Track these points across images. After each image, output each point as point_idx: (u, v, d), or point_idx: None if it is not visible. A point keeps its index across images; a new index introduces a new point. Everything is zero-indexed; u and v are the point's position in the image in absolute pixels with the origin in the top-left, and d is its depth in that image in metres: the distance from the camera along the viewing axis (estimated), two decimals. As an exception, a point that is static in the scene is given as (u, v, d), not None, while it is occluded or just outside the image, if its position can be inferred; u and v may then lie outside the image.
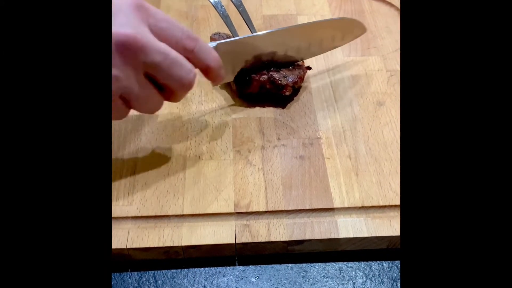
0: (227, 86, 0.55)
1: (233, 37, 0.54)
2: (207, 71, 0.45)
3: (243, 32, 0.56)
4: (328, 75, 0.58)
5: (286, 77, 0.52)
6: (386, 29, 0.64)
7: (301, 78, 0.54)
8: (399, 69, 0.58)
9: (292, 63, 0.54)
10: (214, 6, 0.55)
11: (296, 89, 0.54)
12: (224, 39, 0.56)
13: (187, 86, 0.42)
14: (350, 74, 0.58)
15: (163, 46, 0.40)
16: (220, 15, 0.54)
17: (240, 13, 0.55)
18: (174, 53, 0.40)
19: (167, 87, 0.42)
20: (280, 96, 0.52)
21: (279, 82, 0.52)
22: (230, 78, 0.51)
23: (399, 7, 0.66)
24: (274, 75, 0.52)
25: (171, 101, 0.44)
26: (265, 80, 0.52)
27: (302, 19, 0.65)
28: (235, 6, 0.55)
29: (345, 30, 0.56)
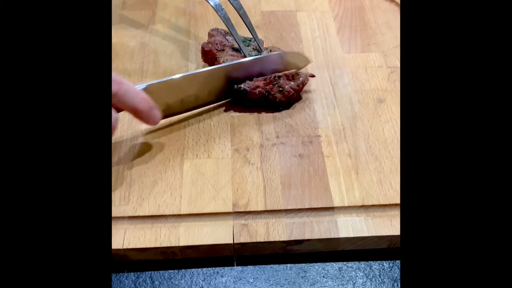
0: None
1: (232, 34, 0.54)
2: (136, 114, 0.44)
3: (244, 32, 0.56)
4: (328, 72, 0.57)
5: (282, 90, 0.51)
6: (386, 25, 0.63)
7: (300, 88, 0.53)
8: (399, 65, 0.57)
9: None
10: (215, 10, 0.54)
11: (293, 100, 0.53)
12: (222, 35, 0.56)
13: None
14: (350, 71, 0.57)
15: None
16: (221, 18, 0.54)
17: (240, 16, 0.55)
18: None
19: None
20: (276, 104, 0.52)
21: (274, 96, 0.51)
22: (164, 114, 0.49)
23: (399, 2, 0.65)
24: (270, 89, 0.51)
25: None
26: (260, 93, 0.51)
27: (301, 15, 0.64)
28: (236, 9, 0.55)
29: (289, 63, 0.54)
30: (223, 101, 0.53)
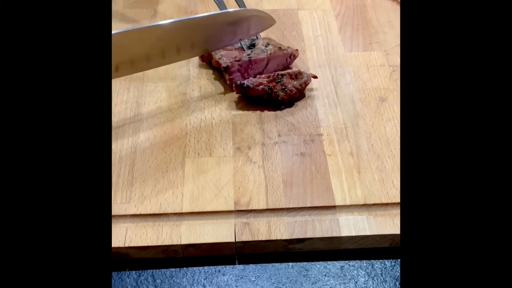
0: (226, 83, 0.54)
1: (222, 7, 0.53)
2: None
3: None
4: (330, 71, 0.57)
5: (285, 89, 0.51)
6: (388, 23, 0.63)
7: (303, 87, 0.53)
8: (401, 64, 0.57)
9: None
10: None
11: (295, 99, 0.53)
12: None
13: None
14: (352, 70, 0.57)
15: None
16: (215, 1, 0.53)
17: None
18: None
19: None
20: (278, 102, 0.52)
21: (276, 94, 0.51)
22: (130, 71, 0.48)
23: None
24: (273, 87, 0.51)
25: None
26: (263, 90, 0.51)
27: (303, 14, 0.64)
28: None
29: (250, 22, 0.51)
30: (226, 101, 0.53)
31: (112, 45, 0.43)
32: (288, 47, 0.56)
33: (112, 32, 0.44)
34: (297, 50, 0.56)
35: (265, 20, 0.53)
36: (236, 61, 0.53)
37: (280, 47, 0.55)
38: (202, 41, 0.50)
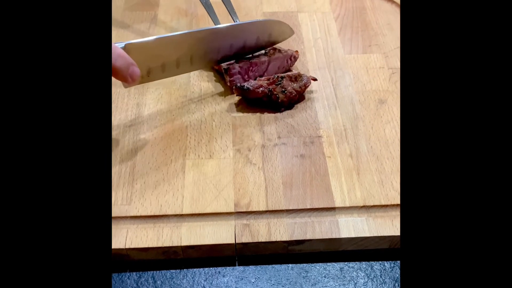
0: (227, 85, 0.55)
1: (212, 19, 0.54)
2: (113, 72, 0.42)
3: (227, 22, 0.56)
4: (329, 73, 0.57)
5: (285, 91, 0.51)
6: (387, 26, 0.63)
7: (303, 90, 0.53)
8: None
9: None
10: None
11: (295, 101, 0.53)
12: None
13: None
14: (351, 72, 0.57)
15: None
16: (203, 4, 0.53)
17: (223, 2, 0.54)
18: None
19: None
20: (278, 105, 0.52)
21: (276, 97, 0.51)
22: (146, 79, 0.49)
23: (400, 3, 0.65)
24: (273, 89, 0.51)
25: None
26: (263, 92, 0.51)
27: (303, 16, 0.64)
28: None
29: (271, 33, 0.54)
30: (226, 103, 0.53)
31: (146, 51, 0.46)
32: (288, 49, 0.56)
33: (146, 39, 0.46)
34: (297, 51, 0.57)
35: (286, 30, 0.56)
36: (236, 63, 0.53)
37: (280, 49, 0.56)
38: (227, 49, 0.53)
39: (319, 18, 0.64)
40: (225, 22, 0.55)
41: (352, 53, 0.60)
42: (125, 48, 0.44)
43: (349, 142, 0.50)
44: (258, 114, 0.52)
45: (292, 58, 0.56)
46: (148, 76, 0.48)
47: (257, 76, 0.54)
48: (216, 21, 0.53)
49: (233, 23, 0.53)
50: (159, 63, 0.48)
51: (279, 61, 0.55)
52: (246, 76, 0.54)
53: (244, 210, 0.44)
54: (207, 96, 0.54)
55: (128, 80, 0.44)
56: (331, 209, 0.44)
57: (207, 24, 0.63)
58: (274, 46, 0.56)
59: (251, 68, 0.54)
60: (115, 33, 0.61)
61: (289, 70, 0.57)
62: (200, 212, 0.43)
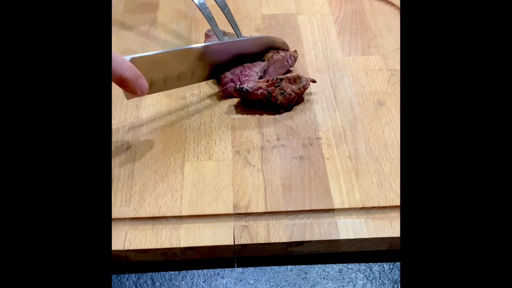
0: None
1: (216, 33, 0.54)
2: (123, 83, 0.43)
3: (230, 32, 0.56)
4: (328, 75, 0.57)
5: (284, 93, 0.51)
6: (386, 28, 0.63)
7: (302, 91, 0.53)
8: (399, 68, 0.57)
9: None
10: (199, 8, 0.54)
11: (294, 103, 0.53)
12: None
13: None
14: (350, 74, 0.57)
15: None
16: (205, 17, 0.54)
17: (225, 15, 0.55)
18: None
19: None
20: (277, 106, 0.52)
21: (276, 98, 0.51)
22: (162, 88, 0.50)
23: (399, 6, 0.65)
24: (272, 91, 0.51)
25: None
26: (262, 94, 0.51)
27: (302, 19, 0.64)
28: (220, 8, 0.55)
29: (271, 46, 0.56)
30: (225, 105, 0.53)
31: (149, 65, 0.47)
32: (286, 49, 0.57)
33: (150, 53, 0.48)
34: (295, 51, 0.57)
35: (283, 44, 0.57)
36: (227, 71, 0.54)
37: (278, 51, 0.56)
38: (228, 63, 0.54)
39: (318, 20, 0.64)
40: (223, 27, 0.56)
41: (351, 55, 0.60)
42: (130, 61, 0.46)
43: (348, 144, 0.50)
44: (257, 116, 0.52)
45: (292, 58, 0.56)
46: (150, 88, 0.48)
47: (251, 80, 0.54)
48: (219, 34, 0.54)
49: (236, 39, 0.54)
50: (161, 76, 0.49)
51: (279, 63, 0.56)
52: (239, 82, 0.54)
53: (243, 211, 0.44)
54: (206, 98, 0.54)
55: (137, 92, 0.44)
56: (330, 211, 0.44)
57: (207, 27, 0.63)
58: (275, 47, 0.56)
59: (243, 72, 0.54)
60: (115, 35, 0.61)
61: (290, 71, 0.57)
62: (199, 214, 0.43)
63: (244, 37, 0.55)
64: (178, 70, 0.51)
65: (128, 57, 0.46)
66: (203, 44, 0.53)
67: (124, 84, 0.43)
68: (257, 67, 0.54)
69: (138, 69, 0.44)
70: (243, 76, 0.54)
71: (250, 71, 0.54)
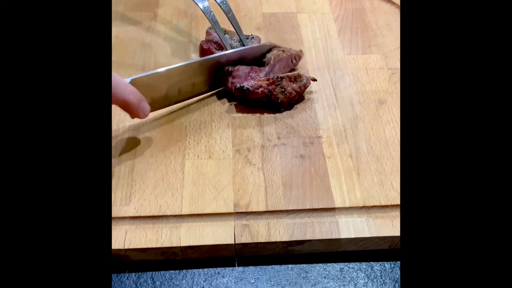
0: (227, 86, 0.54)
1: (219, 36, 0.54)
2: (126, 107, 0.44)
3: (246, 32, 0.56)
4: (329, 73, 0.57)
5: (285, 91, 0.51)
6: (387, 27, 0.63)
7: (302, 90, 0.53)
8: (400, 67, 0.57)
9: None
10: (203, 12, 0.54)
11: (295, 101, 0.53)
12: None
13: None
14: (351, 72, 0.57)
15: None
16: (209, 21, 0.54)
17: (229, 19, 0.55)
18: None
19: None
20: (278, 105, 0.52)
21: (276, 97, 0.51)
22: (164, 105, 0.51)
23: (399, 4, 0.65)
24: (273, 89, 0.51)
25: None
26: (262, 92, 0.51)
27: (302, 17, 0.64)
28: (224, 12, 0.55)
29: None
30: (225, 104, 0.53)
31: (150, 85, 0.48)
32: (290, 48, 0.56)
33: (150, 72, 0.48)
34: (301, 50, 0.57)
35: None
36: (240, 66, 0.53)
37: (283, 49, 0.55)
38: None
39: (318, 19, 0.64)
40: (224, 25, 0.56)
41: (352, 53, 0.59)
42: (130, 82, 0.46)
43: (348, 143, 0.49)
44: (257, 114, 0.52)
45: (297, 57, 0.56)
46: (152, 106, 0.49)
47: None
48: (222, 37, 0.54)
49: (236, 49, 0.54)
50: (162, 93, 0.50)
51: (284, 61, 0.55)
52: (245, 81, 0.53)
53: (244, 210, 0.44)
54: (206, 96, 0.54)
55: (140, 115, 0.46)
56: (331, 210, 0.44)
57: (207, 24, 0.63)
58: (277, 48, 0.56)
59: (250, 74, 0.54)
60: (115, 33, 0.61)
61: (294, 70, 0.57)
62: (199, 213, 0.43)
63: (243, 46, 0.55)
64: (178, 85, 0.51)
65: (128, 79, 0.46)
66: (201, 58, 0.53)
67: (128, 107, 0.45)
68: (263, 72, 0.54)
69: (139, 90, 0.45)
70: (250, 77, 0.53)
71: (256, 74, 0.53)
